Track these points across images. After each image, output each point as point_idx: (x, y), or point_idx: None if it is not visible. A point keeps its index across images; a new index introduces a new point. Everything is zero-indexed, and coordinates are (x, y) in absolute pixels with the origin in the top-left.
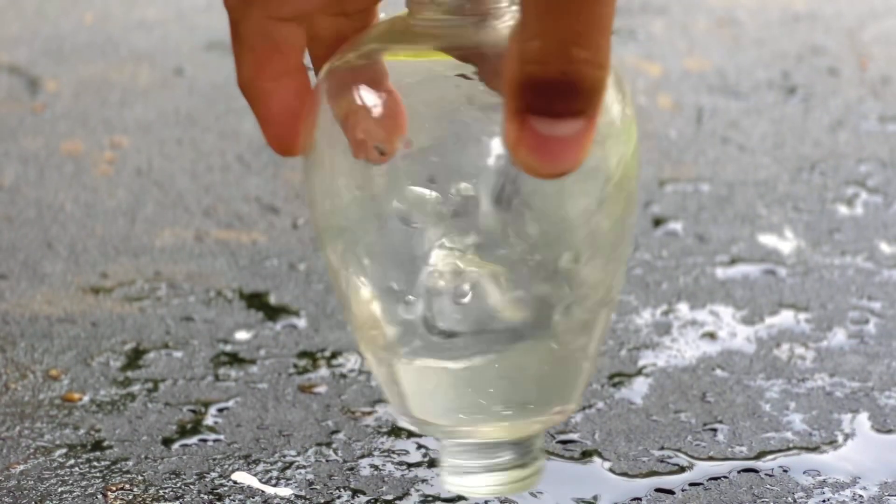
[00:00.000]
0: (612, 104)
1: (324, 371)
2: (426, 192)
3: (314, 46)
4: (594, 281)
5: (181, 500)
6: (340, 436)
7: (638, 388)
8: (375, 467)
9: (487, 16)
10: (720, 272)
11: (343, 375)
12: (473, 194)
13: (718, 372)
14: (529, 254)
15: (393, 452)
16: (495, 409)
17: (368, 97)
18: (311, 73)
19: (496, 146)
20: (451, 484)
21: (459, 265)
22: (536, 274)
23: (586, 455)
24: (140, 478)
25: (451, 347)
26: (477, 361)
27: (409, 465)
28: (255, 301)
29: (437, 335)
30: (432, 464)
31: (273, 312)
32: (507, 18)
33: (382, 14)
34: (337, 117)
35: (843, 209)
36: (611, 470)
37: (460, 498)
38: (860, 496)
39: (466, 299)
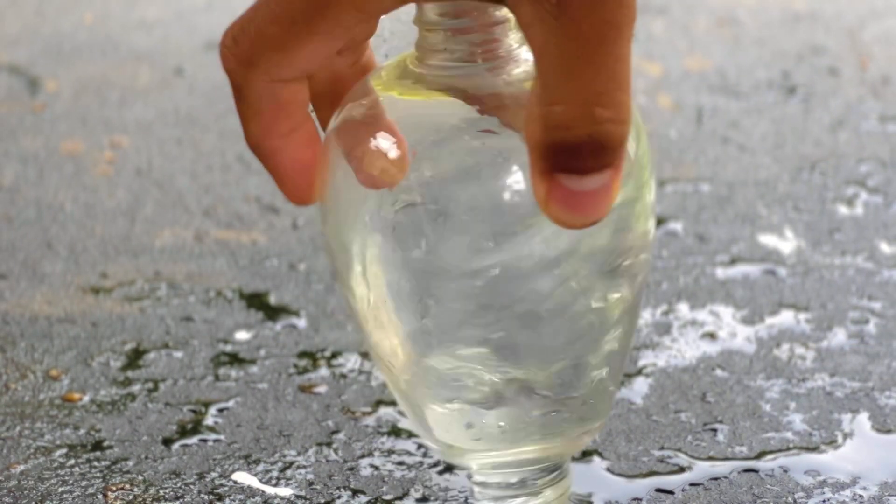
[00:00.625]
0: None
1: (324, 371)
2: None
3: (312, 85)
4: (625, 309)
5: (181, 500)
6: (340, 436)
7: (638, 388)
8: (375, 467)
9: (500, 61)
10: (720, 272)
11: (343, 375)
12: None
13: (718, 372)
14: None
15: (393, 452)
16: (528, 439)
17: (383, 142)
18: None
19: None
20: None
21: None
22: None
23: (586, 455)
24: (140, 478)
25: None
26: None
27: (409, 466)
28: (255, 301)
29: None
30: (433, 464)
31: (273, 312)
32: (520, 63)
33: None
34: (350, 163)
35: (843, 209)
36: (611, 470)
37: (462, 497)
38: (860, 496)
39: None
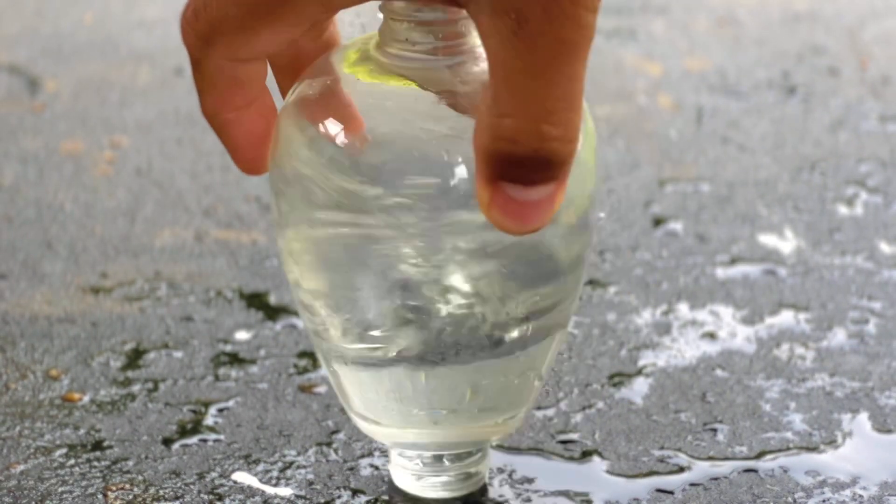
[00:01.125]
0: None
1: (324, 371)
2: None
3: (273, 59)
4: (555, 302)
5: (181, 500)
6: (340, 436)
7: (638, 388)
8: (375, 467)
9: (460, 57)
10: (720, 272)
11: None
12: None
13: (718, 372)
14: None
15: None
16: (443, 414)
17: (332, 126)
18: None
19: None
20: (401, 484)
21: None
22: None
23: (586, 455)
24: (140, 478)
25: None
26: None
27: None
28: (255, 301)
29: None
30: None
31: (273, 312)
32: (480, 61)
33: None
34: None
35: (843, 209)
36: (610, 470)
37: (462, 497)
38: (860, 496)
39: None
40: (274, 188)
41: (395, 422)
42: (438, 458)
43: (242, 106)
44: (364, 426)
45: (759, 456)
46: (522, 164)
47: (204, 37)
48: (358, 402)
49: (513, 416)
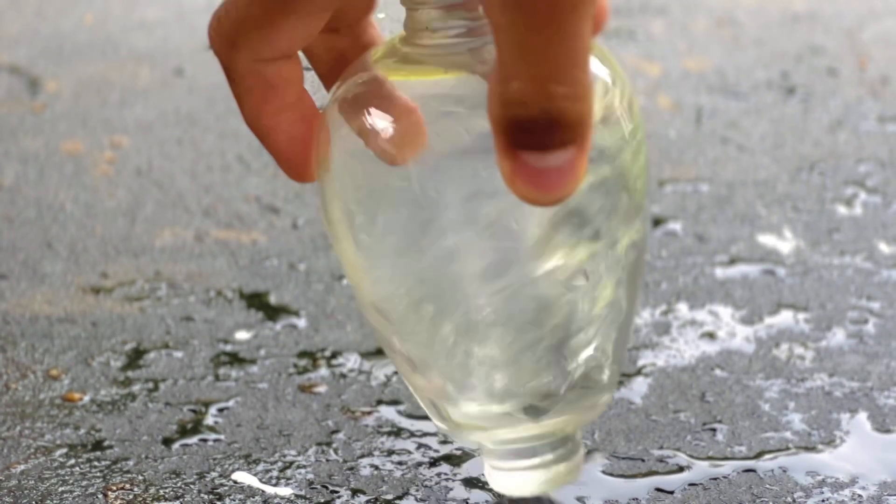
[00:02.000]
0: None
1: (324, 371)
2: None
3: (316, 65)
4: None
5: (181, 500)
6: (340, 436)
7: (637, 388)
8: (375, 467)
9: (481, 40)
10: (720, 272)
11: (343, 375)
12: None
13: (718, 372)
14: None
15: (393, 452)
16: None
17: (378, 121)
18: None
19: None
20: (497, 485)
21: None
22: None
23: (586, 455)
24: (140, 478)
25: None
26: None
27: (409, 465)
28: (255, 301)
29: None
30: (433, 464)
31: (273, 312)
32: None
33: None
34: (360, 135)
35: (842, 209)
36: (610, 469)
37: (462, 497)
38: (859, 496)
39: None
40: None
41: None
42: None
43: (278, 111)
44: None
45: (759, 456)
46: (535, 127)
47: (229, 41)
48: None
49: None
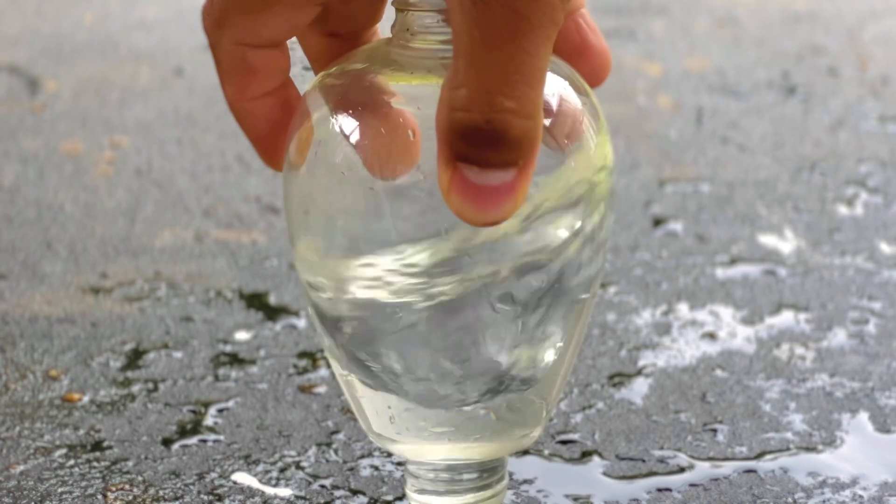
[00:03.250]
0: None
1: (324, 371)
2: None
3: (315, 66)
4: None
5: (181, 501)
6: (340, 436)
7: (638, 389)
8: (375, 467)
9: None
10: (720, 272)
11: None
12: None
13: (718, 372)
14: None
15: (393, 453)
16: (462, 433)
17: (384, 118)
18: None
19: None
20: (415, 502)
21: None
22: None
23: (586, 455)
24: (140, 478)
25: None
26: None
27: None
28: (255, 301)
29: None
30: None
31: (273, 312)
32: None
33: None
34: (347, 135)
35: (843, 209)
36: (610, 470)
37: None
38: (860, 496)
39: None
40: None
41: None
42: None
43: (259, 95)
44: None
45: (759, 456)
46: (477, 139)
47: (217, 22)
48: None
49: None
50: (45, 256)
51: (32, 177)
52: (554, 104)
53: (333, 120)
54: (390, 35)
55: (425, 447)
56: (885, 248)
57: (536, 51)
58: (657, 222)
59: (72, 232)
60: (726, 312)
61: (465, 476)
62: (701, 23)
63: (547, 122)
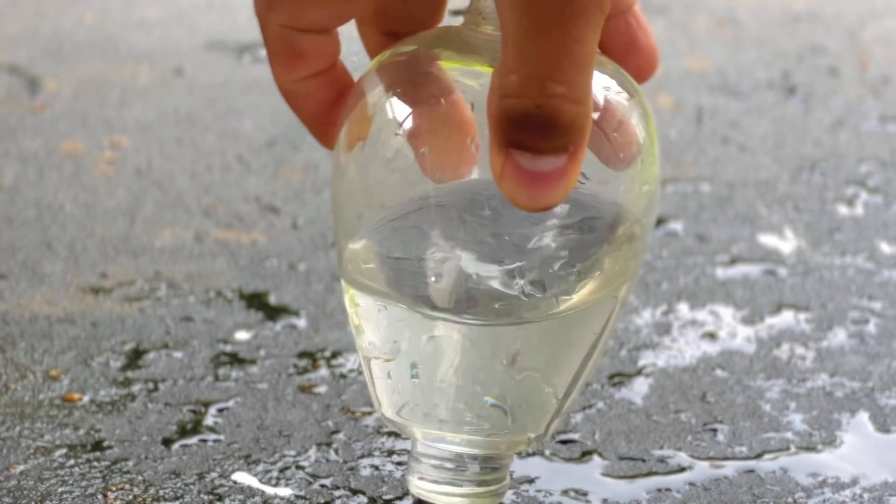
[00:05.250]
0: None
1: (324, 371)
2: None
3: (370, 52)
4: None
5: (181, 500)
6: (340, 436)
7: (638, 388)
8: (375, 467)
9: None
10: (720, 272)
11: (343, 375)
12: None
13: (718, 372)
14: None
15: (393, 452)
16: (467, 419)
17: (446, 120)
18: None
19: None
20: (414, 487)
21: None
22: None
23: (586, 455)
24: (140, 478)
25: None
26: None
27: None
28: (255, 301)
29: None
30: None
31: (273, 312)
32: None
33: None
34: (403, 129)
35: (843, 209)
36: (610, 470)
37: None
38: (860, 496)
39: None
40: None
41: None
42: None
43: (307, 78)
44: None
45: (760, 456)
46: (529, 125)
47: (268, 4)
48: None
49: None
50: (45, 256)
51: (32, 177)
52: (615, 123)
53: (388, 107)
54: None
55: (433, 432)
56: (885, 248)
57: (584, 37)
58: (657, 222)
59: (72, 232)
60: (726, 312)
61: (469, 469)
62: (701, 22)
63: (605, 140)
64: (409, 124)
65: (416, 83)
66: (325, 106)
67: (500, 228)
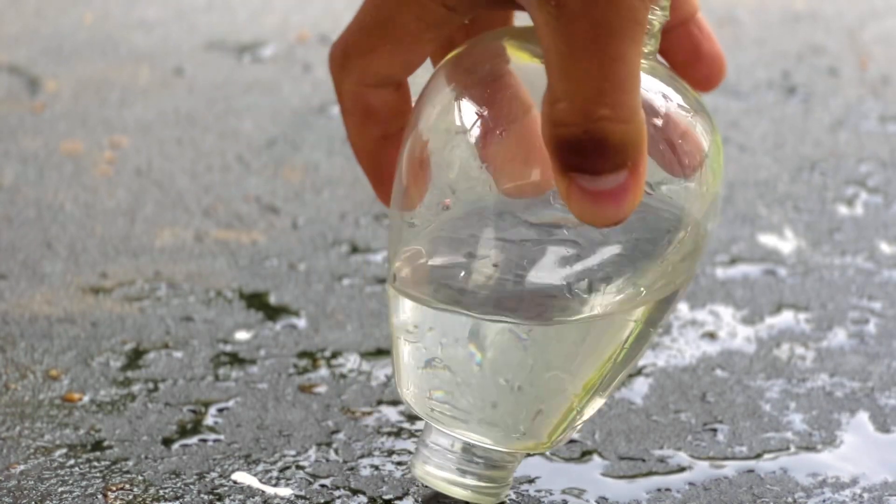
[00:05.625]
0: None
1: (324, 371)
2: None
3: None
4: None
5: (181, 500)
6: (340, 436)
7: (638, 388)
8: (375, 467)
9: None
10: (720, 272)
11: (343, 375)
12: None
13: (718, 372)
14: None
15: (393, 452)
16: (486, 413)
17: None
18: None
19: None
20: (420, 470)
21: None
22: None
23: (586, 455)
24: (140, 478)
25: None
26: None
27: (410, 466)
28: (255, 301)
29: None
30: None
31: (273, 312)
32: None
33: None
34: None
35: (843, 209)
36: (610, 470)
37: (461, 500)
38: (860, 496)
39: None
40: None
41: None
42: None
43: (377, 137)
44: None
45: (760, 456)
46: (583, 150)
47: (339, 64)
48: None
49: None
50: (45, 256)
51: (32, 177)
52: (680, 131)
53: (457, 114)
54: None
55: (450, 421)
56: (885, 248)
57: (623, 55)
58: None
59: (72, 232)
60: (726, 312)
61: (477, 462)
62: None
63: (670, 152)
64: (478, 135)
65: (487, 85)
66: (392, 167)
67: (557, 229)
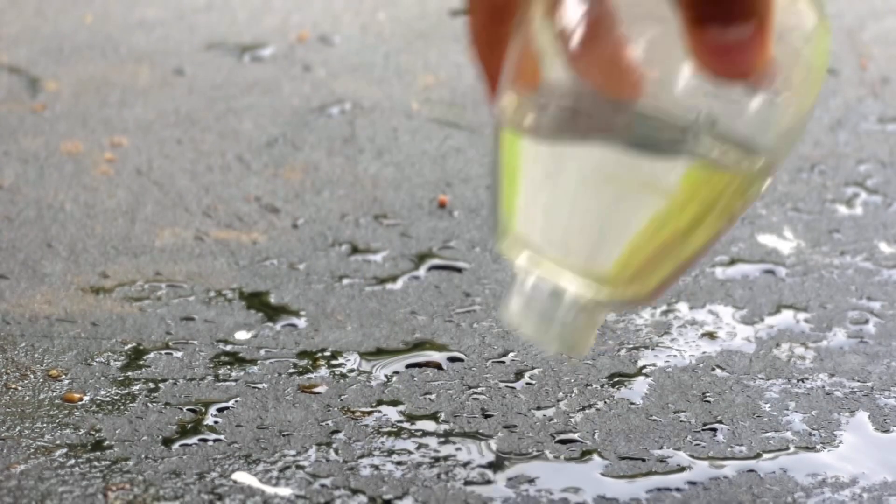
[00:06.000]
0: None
1: (324, 371)
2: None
3: None
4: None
5: (181, 500)
6: (340, 436)
7: (638, 388)
8: (375, 467)
9: None
10: (720, 272)
11: (343, 375)
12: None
13: (718, 372)
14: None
15: (393, 452)
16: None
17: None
18: None
19: None
20: (505, 311)
21: None
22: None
23: (586, 455)
24: (140, 478)
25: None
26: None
27: (409, 466)
28: (255, 301)
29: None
30: (433, 464)
31: (273, 312)
32: None
33: None
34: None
35: (842, 209)
36: (610, 469)
37: (462, 497)
38: (860, 496)
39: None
40: None
41: None
42: None
43: (498, 40)
44: None
45: (759, 456)
46: None
47: None
48: None
49: None
50: (45, 256)
51: (32, 177)
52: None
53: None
54: None
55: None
56: (884, 248)
57: None
58: None
59: (72, 232)
60: (726, 312)
61: (564, 308)
62: None
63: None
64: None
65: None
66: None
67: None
